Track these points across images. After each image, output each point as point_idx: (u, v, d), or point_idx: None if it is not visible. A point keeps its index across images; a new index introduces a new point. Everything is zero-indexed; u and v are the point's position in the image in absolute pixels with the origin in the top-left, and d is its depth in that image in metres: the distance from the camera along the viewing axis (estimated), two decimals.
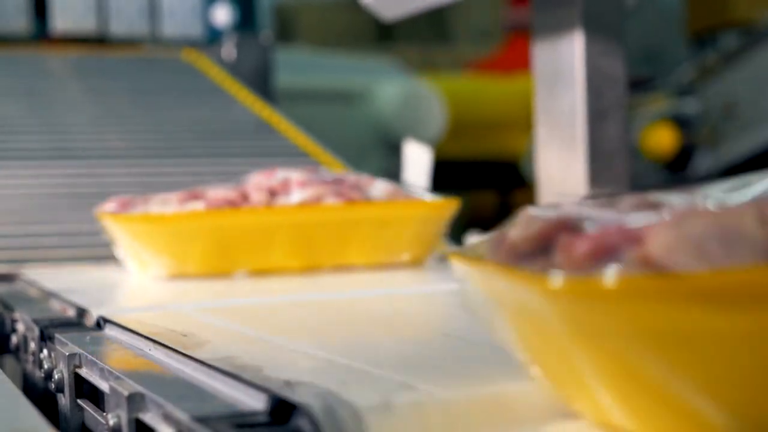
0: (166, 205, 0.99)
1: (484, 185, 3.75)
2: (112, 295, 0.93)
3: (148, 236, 0.97)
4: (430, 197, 1.05)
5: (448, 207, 1.04)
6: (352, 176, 1.06)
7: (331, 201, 0.99)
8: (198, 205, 0.98)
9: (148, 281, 0.99)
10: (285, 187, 1.00)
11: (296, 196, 0.99)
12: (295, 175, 1.02)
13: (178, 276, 0.97)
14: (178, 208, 0.98)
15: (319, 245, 1.00)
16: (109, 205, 1.03)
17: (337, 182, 1.02)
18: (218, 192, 0.99)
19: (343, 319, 0.71)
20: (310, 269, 0.99)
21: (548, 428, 0.41)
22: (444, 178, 3.08)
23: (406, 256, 1.02)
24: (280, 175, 1.02)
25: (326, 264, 1.00)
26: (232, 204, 0.98)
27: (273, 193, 0.99)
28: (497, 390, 0.43)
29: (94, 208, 1.33)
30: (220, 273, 0.97)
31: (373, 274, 0.99)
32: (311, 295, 0.88)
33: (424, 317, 0.74)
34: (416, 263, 1.03)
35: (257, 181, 1.02)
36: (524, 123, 3.01)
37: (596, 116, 1.13)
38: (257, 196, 0.99)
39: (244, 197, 0.99)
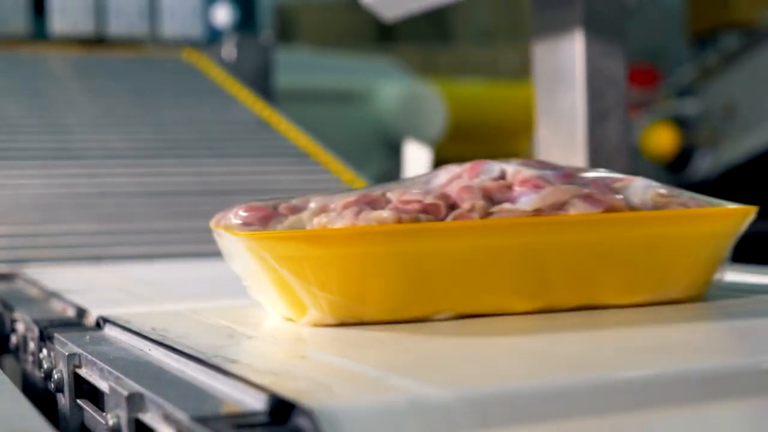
0: (332, 216, 0.66)
1: None
2: (112, 295, 0.93)
3: (316, 264, 0.64)
4: (717, 203, 0.72)
5: (743, 216, 0.72)
6: (591, 171, 0.71)
7: (580, 208, 0.66)
8: (380, 217, 0.64)
9: (303, 329, 0.65)
10: (500, 189, 0.67)
11: (526, 200, 0.66)
12: (512, 167, 0.69)
13: (350, 321, 0.65)
14: (351, 220, 0.65)
15: (562, 275, 0.66)
16: (239, 216, 0.69)
17: (576, 179, 0.69)
18: (407, 196, 0.66)
19: None
20: (543, 310, 0.67)
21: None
22: None
23: (680, 290, 0.69)
24: (494, 168, 0.69)
25: (569, 303, 0.67)
26: (431, 213, 0.65)
27: (489, 197, 0.66)
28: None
29: (95, 208, 1.33)
30: (411, 316, 0.65)
31: (635, 314, 0.66)
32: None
33: None
34: (691, 298, 0.70)
35: (460, 179, 0.68)
36: (525, 126, 3.01)
37: (597, 117, 1.13)
38: (469, 202, 0.65)
39: (448, 203, 0.66)
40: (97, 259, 1.20)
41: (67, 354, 0.64)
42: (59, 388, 0.65)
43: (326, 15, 4.26)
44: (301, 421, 0.41)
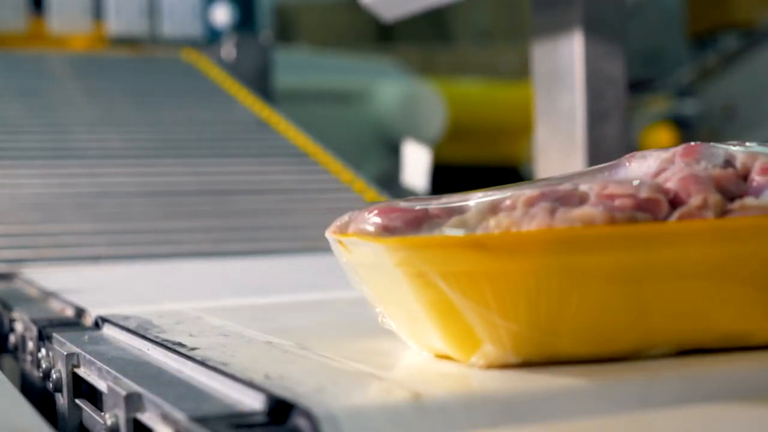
0: (516, 216, 0.47)
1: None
2: (111, 294, 0.93)
3: (500, 282, 0.47)
4: None
5: None
6: None
7: None
8: (587, 216, 0.47)
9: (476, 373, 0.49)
10: (734, 179, 0.50)
11: None
12: (742, 152, 0.52)
13: (537, 359, 0.49)
14: (545, 221, 0.47)
15: None
16: (373, 220, 0.50)
17: None
18: (612, 188, 0.48)
19: None
20: None
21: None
22: (444, 182, 3.08)
23: None
24: (718, 152, 0.52)
25: None
26: (650, 212, 0.48)
27: (721, 190, 0.49)
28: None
29: (94, 208, 1.32)
30: (620, 351, 0.49)
31: None
32: None
33: None
34: None
35: (676, 166, 0.51)
36: (524, 127, 3.01)
37: (596, 117, 1.13)
38: (700, 197, 0.48)
39: (668, 198, 0.48)
40: (96, 259, 1.20)
41: (65, 354, 0.64)
42: (58, 388, 0.65)
43: (326, 15, 4.25)
44: (299, 421, 0.41)
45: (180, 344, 0.59)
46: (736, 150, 0.52)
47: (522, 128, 3.38)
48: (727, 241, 0.48)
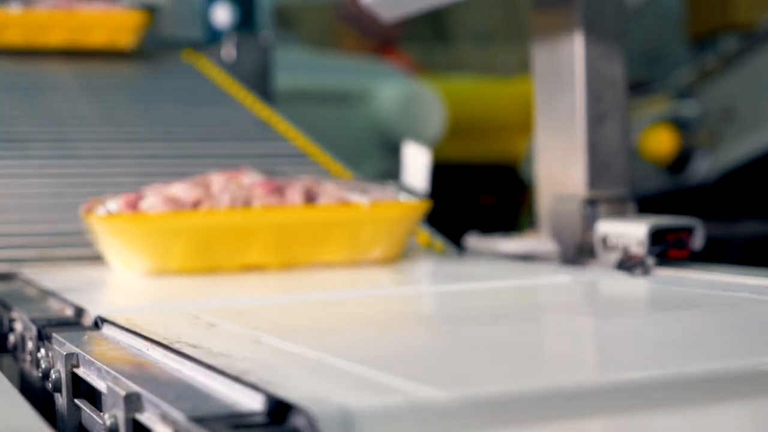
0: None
1: (483, 189, 3.75)
2: (110, 294, 0.93)
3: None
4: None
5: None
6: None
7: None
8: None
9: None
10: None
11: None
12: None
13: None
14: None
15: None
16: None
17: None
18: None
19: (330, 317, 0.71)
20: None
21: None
22: (443, 182, 3.08)
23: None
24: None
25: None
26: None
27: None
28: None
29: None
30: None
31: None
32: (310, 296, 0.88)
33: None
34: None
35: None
36: (523, 126, 3.01)
37: (596, 119, 1.12)
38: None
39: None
40: (96, 259, 1.20)
41: (65, 354, 0.64)
42: (57, 388, 0.65)
43: (326, 15, 4.25)
44: (298, 421, 0.41)
45: (179, 344, 0.59)
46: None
47: (518, 125, 3.37)
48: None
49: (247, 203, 1.07)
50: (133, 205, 1.06)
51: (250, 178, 1.12)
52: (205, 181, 1.11)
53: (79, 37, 1.95)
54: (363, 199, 1.10)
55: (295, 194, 1.09)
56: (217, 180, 1.11)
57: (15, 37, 1.93)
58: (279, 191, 1.09)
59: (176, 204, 1.06)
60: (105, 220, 1.06)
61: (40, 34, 1.94)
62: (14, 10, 1.93)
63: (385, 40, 3.76)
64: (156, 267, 1.06)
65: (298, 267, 1.08)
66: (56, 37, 1.94)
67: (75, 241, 1.24)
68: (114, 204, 1.07)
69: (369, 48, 3.74)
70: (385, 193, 1.13)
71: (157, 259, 1.06)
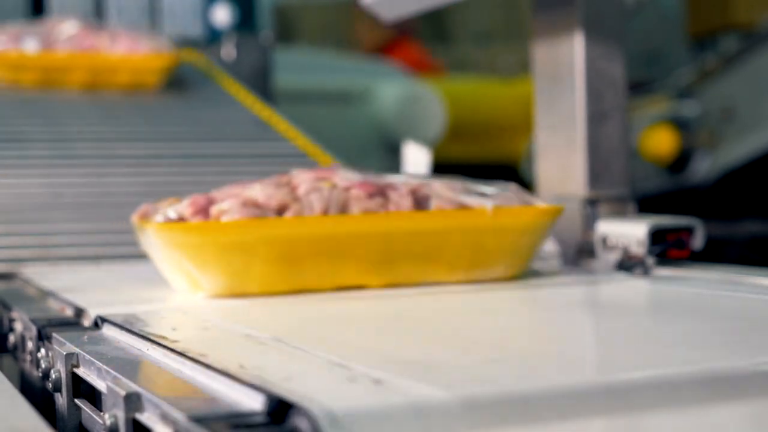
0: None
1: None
2: (110, 294, 0.93)
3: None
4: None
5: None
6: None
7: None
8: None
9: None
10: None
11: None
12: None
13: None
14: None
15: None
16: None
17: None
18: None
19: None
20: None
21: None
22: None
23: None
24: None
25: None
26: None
27: None
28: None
29: (94, 207, 1.32)
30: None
31: None
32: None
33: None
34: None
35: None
36: (523, 126, 3.01)
37: (596, 119, 1.12)
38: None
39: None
40: (96, 258, 1.20)
41: (65, 353, 0.64)
42: (57, 388, 0.65)
43: (326, 15, 4.25)
44: (298, 421, 0.41)
45: (179, 344, 0.59)
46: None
47: (518, 125, 3.37)
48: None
49: (343, 209, 0.86)
50: (204, 211, 0.85)
51: (344, 178, 0.89)
52: (288, 182, 0.89)
53: (101, 79, 1.79)
54: (485, 203, 0.89)
55: (401, 198, 0.88)
56: (303, 180, 0.89)
57: (32, 78, 1.76)
58: (381, 194, 0.88)
59: (256, 209, 0.85)
60: (169, 229, 0.85)
61: (59, 75, 1.77)
62: (31, 51, 1.75)
63: (402, 30, 3.75)
64: (230, 288, 0.85)
65: (403, 286, 0.88)
66: (76, 79, 1.78)
67: (75, 241, 1.24)
68: (173, 211, 0.88)
69: (384, 37, 3.73)
70: (507, 195, 0.93)
71: (233, 278, 0.84)
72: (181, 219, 0.86)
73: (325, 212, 0.85)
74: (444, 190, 0.90)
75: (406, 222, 0.86)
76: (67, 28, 1.79)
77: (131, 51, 1.77)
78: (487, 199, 0.90)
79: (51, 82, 1.76)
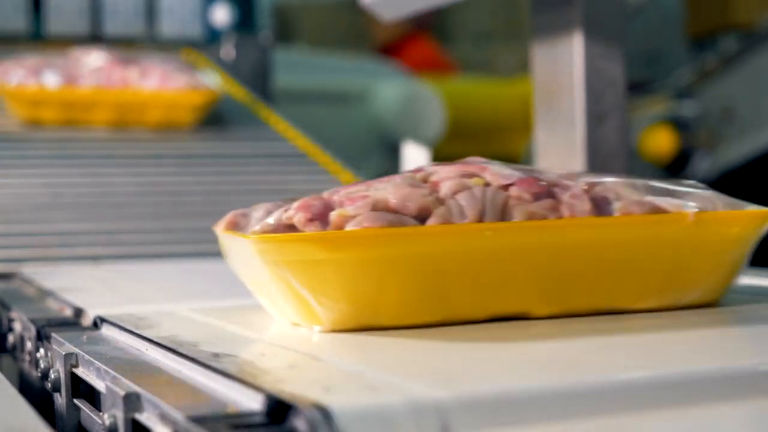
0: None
1: None
2: (110, 294, 0.93)
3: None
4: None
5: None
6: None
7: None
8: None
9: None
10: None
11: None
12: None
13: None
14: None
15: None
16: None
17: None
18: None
19: None
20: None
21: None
22: None
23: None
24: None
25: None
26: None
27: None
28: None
29: (94, 207, 1.32)
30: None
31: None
32: None
33: None
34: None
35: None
36: (523, 126, 3.01)
37: (596, 118, 1.12)
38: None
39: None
40: (95, 258, 1.20)
41: (64, 353, 0.64)
42: (56, 388, 0.65)
43: (326, 16, 4.25)
44: (298, 421, 0.41)
45: (179, 344, 0.59)
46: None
47: (518, 125, 3.38)
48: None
49: (502, 214, 0.63)
50: (322, 217, 0.62)
51: (498, 173, 0.66)
52: (426, 179, 0.66)
53: (129, 117, 1.62)
54: (686, 205, 0.67)
55: (577, 199, 0.65)
56: (446, 176, 0.66)
57: (53, 115, 1.60)
58: (549, 194, 0.65)
59: (391, 215, 0.61)
60: (273, 242, 0.61)
61: (83, 112, 1.60)
62: (52, 86, 1.58)
63: (419, 25, 3.75)
64: (357, 318, 0.62)
65: (576, 315, 0.65)
66: (102, 116, 1.61)
67: (75, 241, 1.24)
68: (271, 217, 0.63)
69: (399, 33, 3.73)
70: (707, 195, 0.69)
71: (361, 307, 0.61)
72: (290, 228, 0.62)
73: (479, 219, 0.63)
74: (624, 189, 0.68)
75: (590, 232, 0.64)
76: (92, 61, 1.65)
77: (162, 88, 1.62)
78: (687, 200, 0.68)
79: (73, 121, 1.61)
